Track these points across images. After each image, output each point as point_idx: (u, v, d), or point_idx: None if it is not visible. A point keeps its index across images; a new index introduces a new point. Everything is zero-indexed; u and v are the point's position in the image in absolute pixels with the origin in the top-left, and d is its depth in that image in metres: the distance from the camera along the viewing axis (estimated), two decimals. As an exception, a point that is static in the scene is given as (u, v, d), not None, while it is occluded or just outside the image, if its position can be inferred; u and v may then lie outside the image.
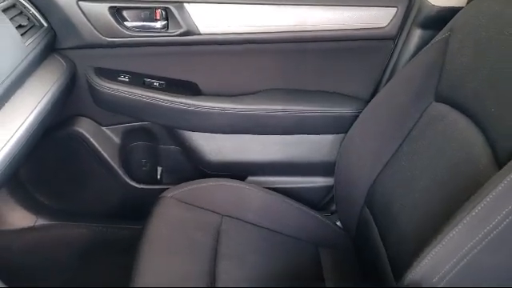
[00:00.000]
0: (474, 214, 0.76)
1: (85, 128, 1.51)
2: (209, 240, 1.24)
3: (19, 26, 1.21)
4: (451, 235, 0.78)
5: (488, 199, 0.75)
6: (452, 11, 1.20)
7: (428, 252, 0.80)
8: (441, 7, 1.28)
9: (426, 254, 0.80)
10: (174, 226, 1.26)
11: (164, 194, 1.36)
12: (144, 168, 1.64)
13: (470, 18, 1.12)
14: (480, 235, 0.75)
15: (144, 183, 1.61)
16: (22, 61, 1.16)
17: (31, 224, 1.63)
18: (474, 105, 0.98)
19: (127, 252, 1.23)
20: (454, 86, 1.07)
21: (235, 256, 1.21)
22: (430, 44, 1.21)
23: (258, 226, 1.34)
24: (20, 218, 1.61)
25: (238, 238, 1.28)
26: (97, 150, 1.53)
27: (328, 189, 1.59)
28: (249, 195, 1.42)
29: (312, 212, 1.41)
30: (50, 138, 1.43)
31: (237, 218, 1.33)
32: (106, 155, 1.54)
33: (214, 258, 1.19)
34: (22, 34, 1.20)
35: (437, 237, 0.80)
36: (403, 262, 0.87)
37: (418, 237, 0.91)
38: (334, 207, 1.64)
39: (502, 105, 0.89)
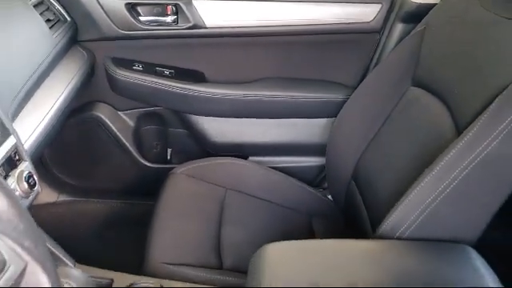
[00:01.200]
0: (433, 173, 0.90)
1: (103, 112, 1.63)
2: (215, 208, 1.37)
3: (47, 20, 1.35)
4: (415, 192, 0.92)
5: (445, 160, 0.90)
6: (428, 7, 1.33)
7: (396, 207, 0.94)
8: (419, 3, 1.41)
9: (394, 209, 0.94)
10: (184, 197, 1.39)
11: (174, 170, 1.50)
12: (155, 150, 1.76)
13: (442, 13, 1.25)
14: (438, 190, 0.89)
15: (155, 163, 1.74)
16: (51, 51, 1.29)
17: (54, 200, 1.74)
18: (443, 88, 1.12)
19: (140, 225, 1.36)
20: (427, 72, 1.21)
21: (237, 222, 1.34)
22: (408, 36, 1.35)
23: (258, 198, 1.45)
24: (43, 194, 1.72)
25: (240, 208, 1.41)
26: (113, 132, 1.65)
27: (321, 168, 1.71)
28: (250, 172, 1.54)
29: (306, 187, 1.54)
30: (71, 121, 1.56)
31: (239, 191, 1.46)
32: (121, 137, 1.66)
33: (219, 223, 1.32)
34: (49, 28, 1.33)
35: (404, 195, 0.94)
36: (379, 219, 0.99)
37: (391, 198, 1.01)
38: (326, 184, 1.76)
39: (463, 86, 1.03)
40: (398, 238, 0.93)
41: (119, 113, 1.68)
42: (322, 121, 1.64)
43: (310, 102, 1.61)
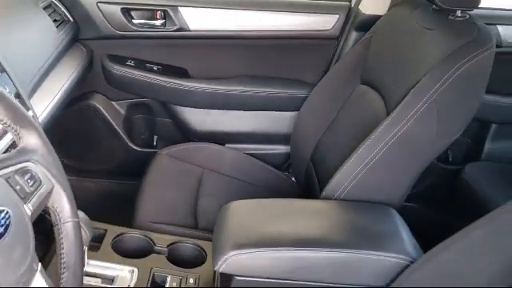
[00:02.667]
0: (363, 147, 1.12)
1: (98, 101, 1.82)
2: (193, 184, 1.57)
3: (54, 21, 1.54)
4: (349, 162, 1.14)
5: (372, 137, 1.12)
6: (376, 18, 1.55)
7: (336, 175, 1.16)
8: (369, 15, 1.63)
9: (334, 176, 1.16)
10: (167, 173, 1.59)
11: (159, 151, 1.69)
12: (143, 136, 1.95)
13: (385, 23, 1.48)
14: (366, 160, 1.11)
15: (143, 147, 1.91)
16: (57, 48, 1.47)
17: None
18: (382, 84, 1.34)
19: (127, 201, 1.53)
20: (371, 72, 1.43)
21: (212, 195, 1.54)
22: (358, 42, 1.57)
23: (231, 177, 1.65)
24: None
25: (215, 185, 1.61)
26: (106, 119, 1.83)
27: (287, 154, 1.92)
28: (225, 155, 1.75)
29: (274, 170, 1.74)
30: (70, 108, 1.74)
31: (215, 171, 1.66)
32: (114, 124, 1.84)
33: (196, 195, 1.52)
34: (56, 27, 1.53)
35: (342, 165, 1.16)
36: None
37: (337, 170, 1.20)
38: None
39: (395, 82, 1.25)
40: (336, 199, 1.15)
41: (112, 102, 1.87)
42: (288, 113, 1.84)
43: (279, 97, 1.82)
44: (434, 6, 1.23)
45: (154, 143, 1.97)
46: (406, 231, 1.04)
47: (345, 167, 1.15)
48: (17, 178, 0.64)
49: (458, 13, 1.19)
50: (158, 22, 1.70)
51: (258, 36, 1.75)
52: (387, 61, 1.35)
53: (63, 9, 1.63)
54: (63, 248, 0.71)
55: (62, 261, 0.70)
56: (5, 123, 0.65)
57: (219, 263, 0.95)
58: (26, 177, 0.66)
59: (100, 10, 1.64)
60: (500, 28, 1.75)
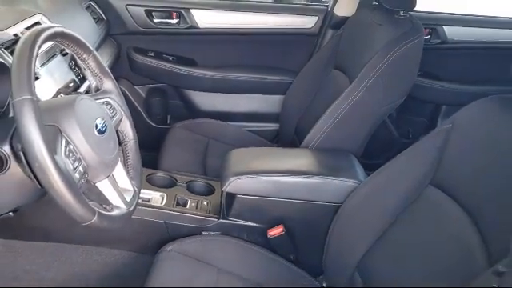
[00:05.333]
0: (330, 109, 1.50)
1: (123, 85, 2.17)
2: (202, 149, 1.92)
3: (93, 18, 1.92)
4: (320, 121, 1.51)
5: (337, 102, 1.50)
6: (347, 18, 1.92)
7: (309, 132, 1.53)
8: (342, 16, 2.01)
9: (309, 133, 1.53)
10: (181, 141, 1.95)
11: (174, 125, 2.06)
12: (159, 116, 2.31)
13: (351, 22, 1.84)
14: (331, 120, 1.49)
15: (159, 124, 2.29)
16: (97, 39, 1.84)
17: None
18: (348, 67, 1.69)
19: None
20: (341, 59, 1.78)
21: (217, 156, 1.90)
22: (332, 37, 1.95)
23: (231, 145, 1.86)
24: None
25: (219, 150, 1.96)
26: (130, 101, 2.18)
27: (276, 131, 2.29)
28: (226, 129, 2.09)
29: (267, 142, 1.98)
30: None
31: (218, 141, 2.02)
32: (136, 104, 2.20)
33: (204, 157, 1.87)
34: (95, 23, 1.90)
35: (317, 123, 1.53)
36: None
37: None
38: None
39: (357, 63, 1.62)
40: (311, 148, 1.53)
41: (135, 87, 2.24)
42: (277, 96, 2.20)
43: (270, 83, 2.20)
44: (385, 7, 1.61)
45: (168, 121, 2.32)
46: (358, 166, 1.42)
47: (316, 125, 1.52)
48: (104, 106, 1.01)
49: (401, 13, 1.57)
50: (174, 21, 2.08)
51: (253, 33, 2.13)
52: (351, 49, 1.72)
53: (99, 9, 2.00)
54: (129, 156, 1.09)
55: (128, 163, 1.08)
56: (95, 73, 1.03)
57: (225, 185, 1.33)
58: (109, 107, 1.03)
59: (128, 11, 2.02)
60: (446, 28, 2.14)
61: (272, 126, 2.29)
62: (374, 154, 1.44)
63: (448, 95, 2.23)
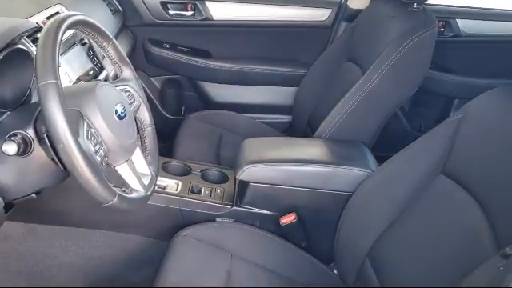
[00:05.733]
0: (343, 100, 1.52)
1: (139, 77, 2.20)
2: (215, 139, 1.93)
3: (110, 10, 1.95)
4: (332, 112, 1.53)
5: (349, 92, 1.51)
6: (360, 11, 1.93)
7: (322, 123, 1.55)
8: (355, 9, 2.02)
9: (321, 123, 1.55)
10: (195, 131, 1.98)
11: (188, 116, 2.08)
12: (173, 107, 2.35)
13: (365, 15, 1.85)
14: (344, 110, 1.50)
15: (173, 115, 2.32)
16: (114, 29, 1.88)
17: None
18: (362, 58, 1.70)
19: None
20: (355, 49, 1.79)
21: (230, 146, 1.93)
22: (345, 30, 1.96)
23: (244, 136, 1.83)
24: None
25: (232, 140, 1.99)
26: (146, 92, 2.22)
27: (289, 122, 2.31)
28: (239, 120, 2.11)
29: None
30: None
31: (231, 131, 2.05)
32: (151, 95, 2.24)
33: (218, 147, 1.90)
34: (112, 14, 1.93)
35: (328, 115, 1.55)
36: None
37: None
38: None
39: (371, 54, 1.63)
40: (323, 138, 1.55)
41: (150, 78, 2.28)
42: (290, 88, 2.22)
43: (283, 75, 2.21)
44: (398, -1, 1.62)
45: (182, 112, 2.36)
46: (370, 155, 1.44)
47: (329, 116, 1.54)
48: (122, 93, 1.04)
49: (415, 5, 1.57)
50: (189, 13, 2.10)
51: (267, 25, 2.15)
52: (365, 41, 1.73)
53: (115, 1, 2.03)
54: (146, 142, 1.11)
55: (146, 149, 1.11)
56: (115, 61, 1.06)
57: (239, 173, 1.36)
58: (127, 94, 1.06)
59: (144, 3, 2.05)
60: (459, 21, 2.14)
61: (285, 118, 2.31)
62: (387, 146, 1.45)
63: (460, 88, 2.23)
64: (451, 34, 2.16)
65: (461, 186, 1.03)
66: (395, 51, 1.44)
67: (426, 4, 1.60)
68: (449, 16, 2.13)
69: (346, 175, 1.35)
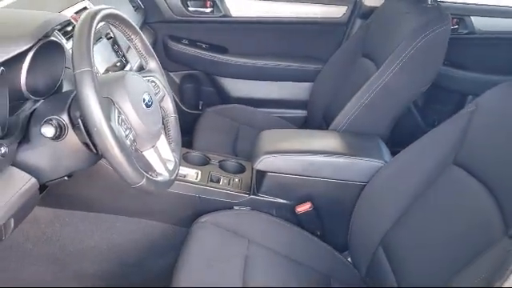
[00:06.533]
0: (358, 93, 1.56)
1: (159, 72, 2.28)
2: (232, 133, 1.97)
3: (132, 7, 2.01)
4: (348, 106, 1.57)
5: (364, 86, 1.55)
6: (375, 8, 1.97)
7: (338, 116, 1.59)
8: (370, 6, 2.06)
9: (337, 116, 1.59)
10: (213, 125, 2.03)
11: (206, 110, 2.14)
12: (192, 102, 2.40)
13: (380, 12, 1.89)
14: (359, 103, 1.54)
15: (191, 110, 2.38)
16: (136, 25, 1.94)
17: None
18: (375, 52, 1.74)
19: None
20: (369, 46, 1.83)
21: (247, 139, 1.98)
22: (361, 27, 2.00)
23: (260, 130, 1.90)
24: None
25: (249, 134, 2.04)
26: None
27: (304, 117, 2.35)
28: (256, 115, 2.15)
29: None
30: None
31: (248, 125, 2.10)
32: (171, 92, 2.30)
33: (235, 140, 1.94)
34: (134, 11, 1.99)
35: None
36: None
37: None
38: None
39: (385, 48, 1.66)
40: (338, 131, 1.59)
41: (170, 73, 2.33)
42: (306, 84, 2.26)
43: (299, 70, 2.26)
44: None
45: (200, 107, 2.41)
46: (384, 147, 1.47)
47: (344, 110, 1.58)
48: (149, 83, 1.09)
49: (429, 1, 1.61)
50: (208, 10, 2.16)
51: (284, 21, 2.20)
52: (379, 38, 1.76)
53: (137, -2, 2.09)
54: (170, 130, 1.17)
55: (170, 137, 1.16)
56: (141, 53, 1.11)
57: (256, 162, 1.40)
58: (153, 84, 1.11)
59: (165, 0, 2.10)
60: (473, 19, 2.17)
61: (300, 113, 2.35)
62: (401, 142, 1.48)
63: (474, 85, 2.25)
64: (465, 31, 2.18)
65: (471, 175, 1.05)
66: (409, 46, 1.48)
67: (440, 1, 1.63)
68: (463, 13, 2.16)
69: (360, 166, 1.39)
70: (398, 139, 1.77)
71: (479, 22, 2.17)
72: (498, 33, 2.21)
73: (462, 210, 1.04)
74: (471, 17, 2.16)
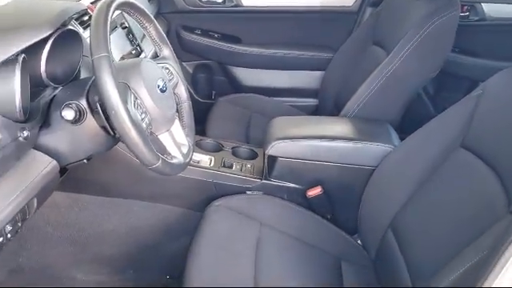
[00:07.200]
0: (368, 79, 1.57)
1: (172, 62, 2.32)
2: (245, 121, 2.00)
3: (145, -2, 2.04)
4: (358, 92, 1.58)
5: (375, 72, 1.57)
6: (385, -3, 1.98)
7: (348, 102, 1.61)
8: (380, -5, 2.07)
9: (347, 103, 1.61)
10: (226, 113, 2.06)
11: (219, 99, 2.17)
12: (205, 91, 2.44)
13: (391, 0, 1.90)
14: (370, 88, 1.56)
15: (204, 99, 2.42)
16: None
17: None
18: (385, 39, 1.75)
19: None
20: (380, 33, 1.83)
21: (258, 126, 2.00)
22: (371, 15, 2.00)
23: (272, 117, 1.99)
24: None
25: (261, 121, 2.06)
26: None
27: (316, 106, 2.37)
28: (268, 104, 2.18)
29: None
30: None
31: (260, 114, 2.12)
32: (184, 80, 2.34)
33: (248, 128, 1.98)
34: (148, 1, 2.03)
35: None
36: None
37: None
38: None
39: (392, 37, 1.67)
40: (348, 117, 1.61)
41: (183, 63, 2.37)
42: (317, 72, 2.28)
43: (310, 59, 2.28)
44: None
45: (213, 96, 2.45)
46: (393, 132, 1.49)
47: (354, 96, 1.60)
48: (163, 70, 1.12)
49: (438, -12, 1.61)
50: (220, 0, 2.19)
51: (295, 11, 2.22)
52: (389, 25, 1.77)
53: (150, -12, 2.12)
54: (184, 116, 1.20)
55: (184, 122, 1.19)
56: (155, 41, 1.14)
57: (268, 148, 1.43)
58: (167, 71, 1.15)
59: (178, -10, 2.13)
60: (484, 5, 2.16)
61: (311, 101, 2.37)
62: (411, 128, 1.50)
63: (485, 72, 2.22)
64: (476, 18, 2.18)
65: (479, 158, 1.06)
66: (418, 32, 1.49)
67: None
68: (474, 0, 2.15)
69: (369, 150, 1.41)
70: (409, 127, 1.77)
71: (490, 9, 2.16)
72: (509, 19, 2.20)
73: (469, 192, 1.05)
74: (482, 4, 2.15)
